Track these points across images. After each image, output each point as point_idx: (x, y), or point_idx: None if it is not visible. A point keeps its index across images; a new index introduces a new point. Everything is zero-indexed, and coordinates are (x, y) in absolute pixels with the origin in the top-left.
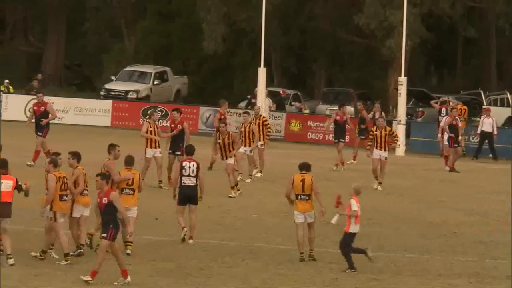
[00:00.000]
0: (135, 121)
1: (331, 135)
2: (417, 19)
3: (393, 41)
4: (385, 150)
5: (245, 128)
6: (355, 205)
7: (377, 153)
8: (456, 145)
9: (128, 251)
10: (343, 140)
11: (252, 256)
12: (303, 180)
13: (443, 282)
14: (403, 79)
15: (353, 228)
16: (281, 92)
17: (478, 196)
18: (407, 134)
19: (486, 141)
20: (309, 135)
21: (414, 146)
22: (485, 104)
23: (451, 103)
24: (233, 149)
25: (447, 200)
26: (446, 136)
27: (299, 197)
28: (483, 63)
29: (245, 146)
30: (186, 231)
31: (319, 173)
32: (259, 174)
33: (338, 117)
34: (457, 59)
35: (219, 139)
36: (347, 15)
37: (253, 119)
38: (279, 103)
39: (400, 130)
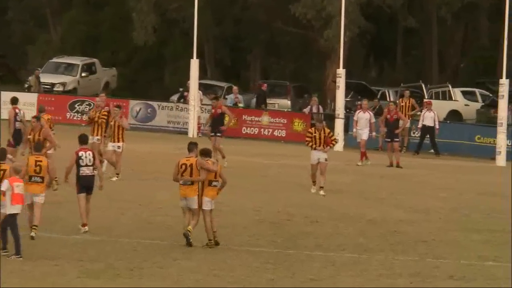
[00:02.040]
0: (61, 114)
1: (267, 130)
2: (356, 8)
3: (331, 31)
4: (324, 152)
5: (115, 122)
6: (5, 185)
7: (316, 156)
8: (388, 140)
9: (33, 233)
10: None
11: (184, 256)
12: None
13: (383, 282)
14: (341, 71)
15: (11, 209)
16: (260, 84)
17: (419, 192)
18: (346, 129)
19: (428, 136)
20: (244, 130)
21: (353, 141)
22: (426, 97)
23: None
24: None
25: (387, 197)
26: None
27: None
28: (424, 55)
29: (113, 142)
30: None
31: (256, 168)
32: (114, 178)
33: (213, 110)
34: (398, 50)
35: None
36: (283, 5)
37: (116, 115)
38: (260, 97)
39: (338, 124)
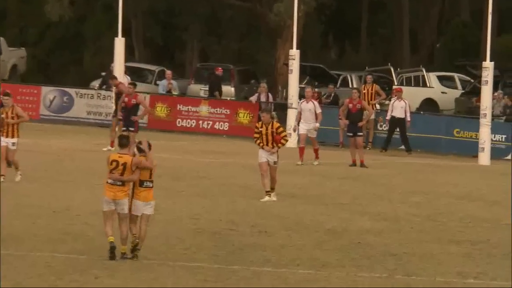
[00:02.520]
0: None
1: (206, 122)
2: None
3: (282, 5)
4: (272, 153)
5: (7, 114)
6: None
7: (264, 155)
8: (351, 134)
9: None
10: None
11: (107, 273)
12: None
13: None
14: (295, 52)
15: None
16: (216, 69)
17: (387, 197)
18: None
19: (397, 129)
20: (179, 122)
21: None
22: (395, 83)
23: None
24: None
25: (349, 203)
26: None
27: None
28: (393, 33)
29: (6, 136)
30: None
31: (193, 168)
32: (18, 178)
33: (126, 99)
34: (362, 28)
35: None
36: None
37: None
38: (214, 84)
39: (291, 116)
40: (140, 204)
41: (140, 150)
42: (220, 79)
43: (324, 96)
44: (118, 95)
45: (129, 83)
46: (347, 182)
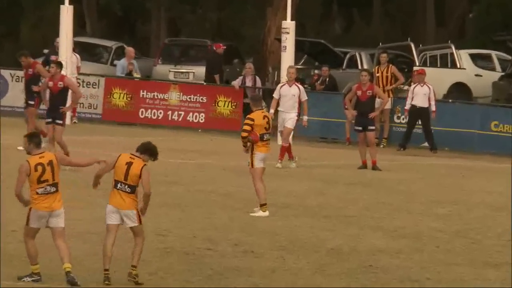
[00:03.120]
0: None
1: (176, 113)
2: None
3: None
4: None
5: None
6: None
7: (262, 159)
8: (360, 128)
9: None
10: None
11: None
12: (129, 164)
13: None
14: (289, 24)
15: None
16: (216, 46)
17: (406, 208)
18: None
19: (419, 122)
20: (142, 113)
21: (308, 129)
22: (417, 64)
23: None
24: None
25: (358, 215)
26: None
27: (118, 185)
28: (414, 1)
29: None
30: None
31: (160, 171)
32: None
33: (49, 82)
34: None
35: None
36: None
37: None
38: (213, 64)
39: None
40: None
41: None
42: (220, 58)
43: (319, 82)
44: (34, 79)
45: (53, 63)
46: (355, 189)
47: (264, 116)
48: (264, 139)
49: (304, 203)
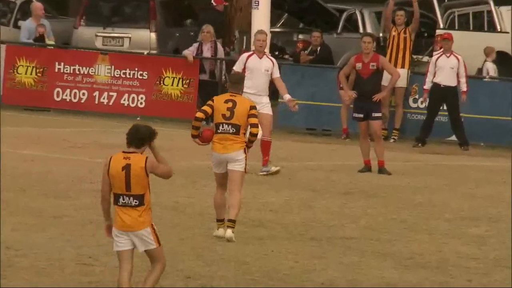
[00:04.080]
0: None
1: (106, 94)
2: None
3: None
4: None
5: None
6: None
7: (219, 159)
8: (360, 116)
9: None
10: None
11: None
12: (127, 167)
13: None
14: None
15: None
16: (216, 1)
17: (426, 227)
18: (274, 94)
19: (444, 107)
20: (59, 94)
21: (289, 117)
22: (441, 25)
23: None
24: None
25: (359, 237)
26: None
27: (121, 199)
28: None
29: None
30: None
31: (80, 175)
32: None
33: None
34: None
35: None
36: None
37: None
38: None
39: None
40: None
41: None
42: (222, 19)
43: (306, 52)
44: None
45: None
46: (355, 201)
47: (228, 100)
48: (219, 131)
49: (283, 220)
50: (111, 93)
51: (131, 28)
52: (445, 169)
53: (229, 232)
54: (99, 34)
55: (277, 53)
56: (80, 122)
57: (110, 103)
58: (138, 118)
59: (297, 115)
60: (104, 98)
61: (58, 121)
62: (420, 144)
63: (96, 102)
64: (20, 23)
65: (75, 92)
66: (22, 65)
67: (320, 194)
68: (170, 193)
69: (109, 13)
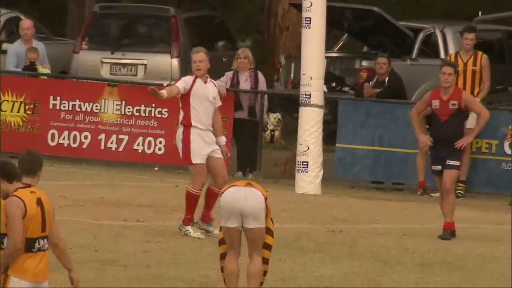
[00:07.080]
0: None
1: (115, 138)
2: None
3: None
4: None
5: None
6: None
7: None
8: (438, 168)
9: None
10: None
11: None
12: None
13: None
14: None
15: None
16: None
17: None
18: (332, 135)
19: None
20: (53, 137)
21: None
22: None
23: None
24: None
25: None
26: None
27: (36, 245)
28: None
29: None
30: None
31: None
32: None
33: None
34: None
35: None
36: None
37: None
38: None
39: (308, 120)
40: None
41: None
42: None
43: (371, 83)
44: None
45: None
46: (434, 275)
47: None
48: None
49: None
50: (121, 136)
51: (146, 52)
52: None
53: None
54: (105, 60)
55: (334, 84)
56: (81, 174)
57: (120, 149)
58: (156, 168)
59: (360, 164)
60: (112, 143)
61: (53, 172)
62: None
63: (102, 147)
64: (6, 46)
65: (75, 135)
66: (8, 100)
67: (390, 266)
68: (196, 264)
69: (119, 34)
